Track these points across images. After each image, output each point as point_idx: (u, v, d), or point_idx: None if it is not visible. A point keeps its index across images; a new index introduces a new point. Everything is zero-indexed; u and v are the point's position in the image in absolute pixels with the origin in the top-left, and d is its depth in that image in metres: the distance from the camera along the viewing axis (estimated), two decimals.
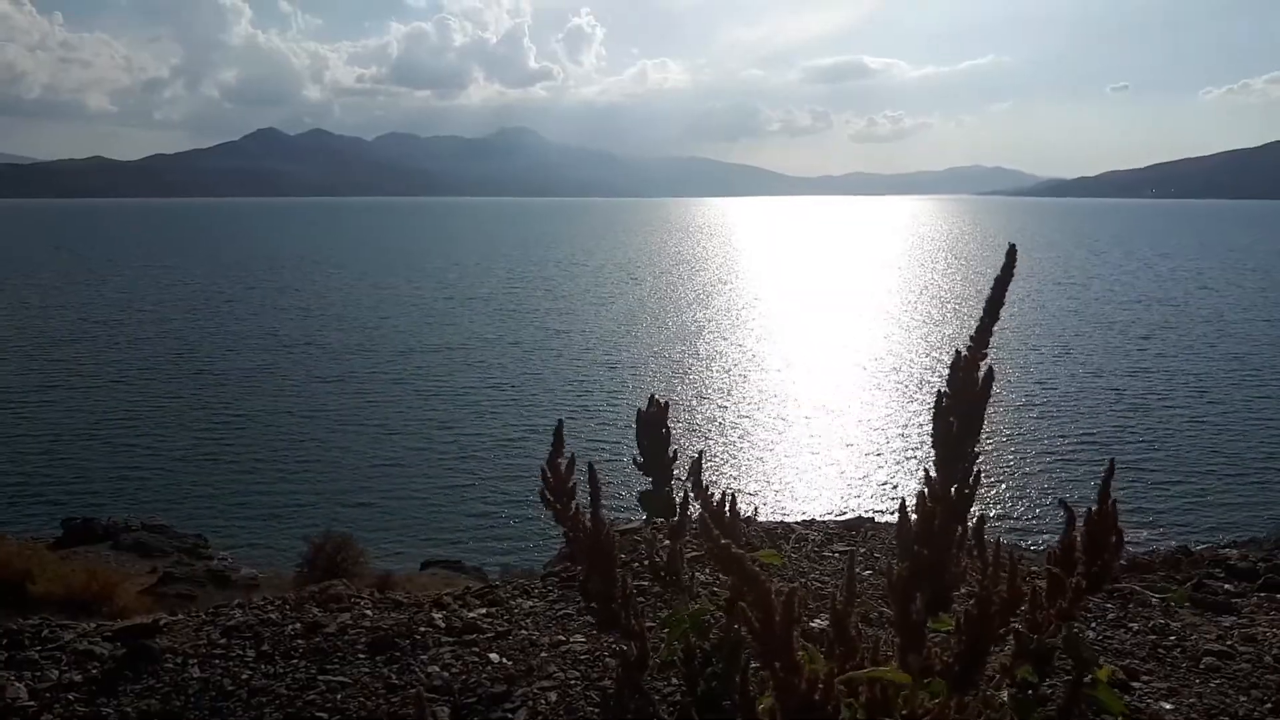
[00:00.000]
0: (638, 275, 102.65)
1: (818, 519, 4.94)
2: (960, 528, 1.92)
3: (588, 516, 2.30)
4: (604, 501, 2.45)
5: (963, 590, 2.00)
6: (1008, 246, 1.84)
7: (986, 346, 1.89)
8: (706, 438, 36.99)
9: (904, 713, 1.96)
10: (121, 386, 44.25)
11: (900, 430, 37.05)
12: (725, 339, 58.46)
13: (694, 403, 42.12)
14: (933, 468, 1.92)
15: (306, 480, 32.91)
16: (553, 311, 70.09)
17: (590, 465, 2.32)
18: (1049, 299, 76.12)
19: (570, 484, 2.34)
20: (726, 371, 48.58)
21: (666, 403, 3.08)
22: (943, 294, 79.71)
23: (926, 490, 1.92)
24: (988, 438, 35.88)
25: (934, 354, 51.51)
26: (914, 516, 1.95)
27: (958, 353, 1.90)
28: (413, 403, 41.52)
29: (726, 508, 2.49)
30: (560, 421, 2.41)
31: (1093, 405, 40.18)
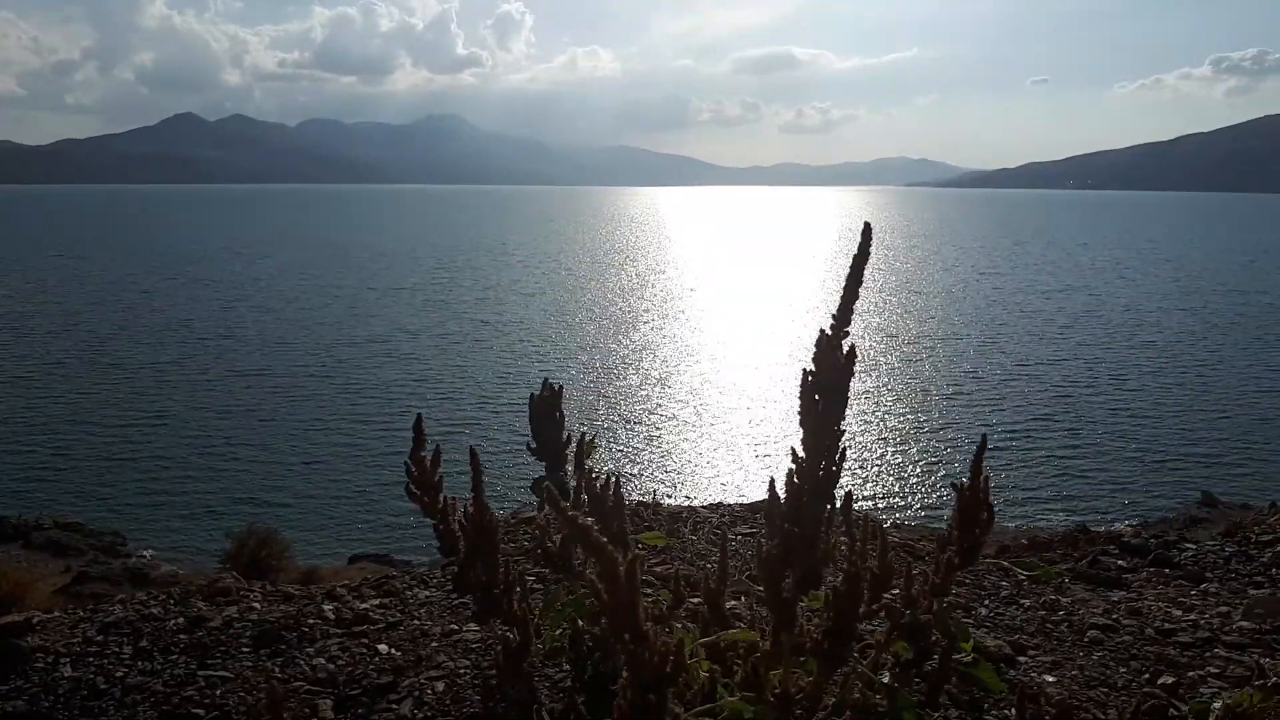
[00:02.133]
0: (568, 265, 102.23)
1: (725, 503, 4.96)
2: (828, 505, 1.92)
3: (469, 503, 2.26)
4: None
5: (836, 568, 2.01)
6: (863, 226, 1.85)
7: (849, 324, 1.90)
8: (635, 427, 37.04)
9: (776, 690, 1.97)
10: (29, 382, 42.60)
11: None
12: (656, 330, 58.55)
13: (623, 393, 42.11)
14: (799, 446, 1.92)
15: (228, 477, 32.10)
16: (481, 302, 69.39)
17: (472, 449, 2.27)
18: (973, 289, 77.85)
19: (436, 477, 2.30)
20: (660, 362, 48.66)
21: (560, 387, 3.05)
22: (869, 285, 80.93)
23: (794, 468, 1.92)
24: (914, 428, 36.58)
25: (859, 345, 52.29)
26: (783, 495, 1.94)
27: (822, 331, 1.90)
28: (337, 397, 40.73)
29: (610, 490, 2.47)
30: (419, 415, 2.37)
31: (1016, 393, 41.15)
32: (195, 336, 53.18)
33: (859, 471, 32.20)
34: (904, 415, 37.90)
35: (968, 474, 2.11)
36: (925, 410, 38.50)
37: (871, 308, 65.43)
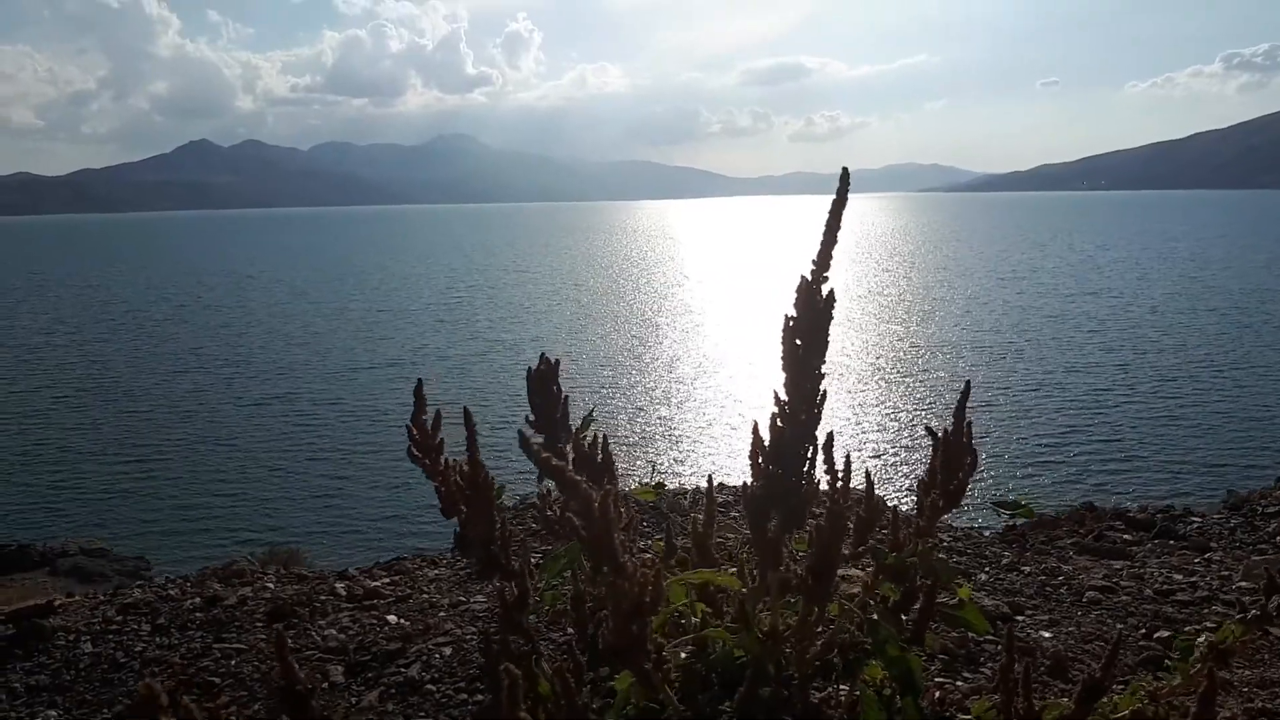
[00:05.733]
0: (582, 281, 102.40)
1: (728, 484, 5.03)
2: (810, 446, 1.99)
3: (465, 462, 2.33)
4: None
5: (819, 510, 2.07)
6: (841, 170, 1.92)
7: (827, 269, 1.97)
8: (657, 441, 37.04)
9: (764, 629, 2.03)
10: (46, 412, 42.93)
11: (844, 421, 37.42)
12: (676, 344, 58.47)
13: (646, 408, 42.10)
14: (782, 390, 1.99)
15: (249, 502, 32.22)
16: (495, 322, 69.55)
17: (465, 410, 2.34)
18: (994, 294, 77.39)
19: (437, 439, 2.37)
20: (679, 375, 48.62)
21: (557, 360, 3.13)
22: (886, 291, 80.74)
23: (777, 410, 1.99)
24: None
25: (880, 353, 52.11)
26: (766, 437, 2.01)
27: (802, 277, 1.97)
28: (352, 421, 40.77)
29: (598, 450, 2.55)
30: (420, 380, 2.44)
31: (1042, 401, 40.58)
32: (208, 363, 53.49)
33: (884, 485, 31.99)
34: (928, 425, 37.60)
35: (952, 420, 2.17)
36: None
37: (891, 316, 65.31)
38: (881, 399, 41.50)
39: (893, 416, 38.99)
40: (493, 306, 78.13)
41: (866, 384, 44.09)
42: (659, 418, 40.10)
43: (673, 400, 44.29)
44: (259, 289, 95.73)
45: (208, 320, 71.31)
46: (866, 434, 36.63)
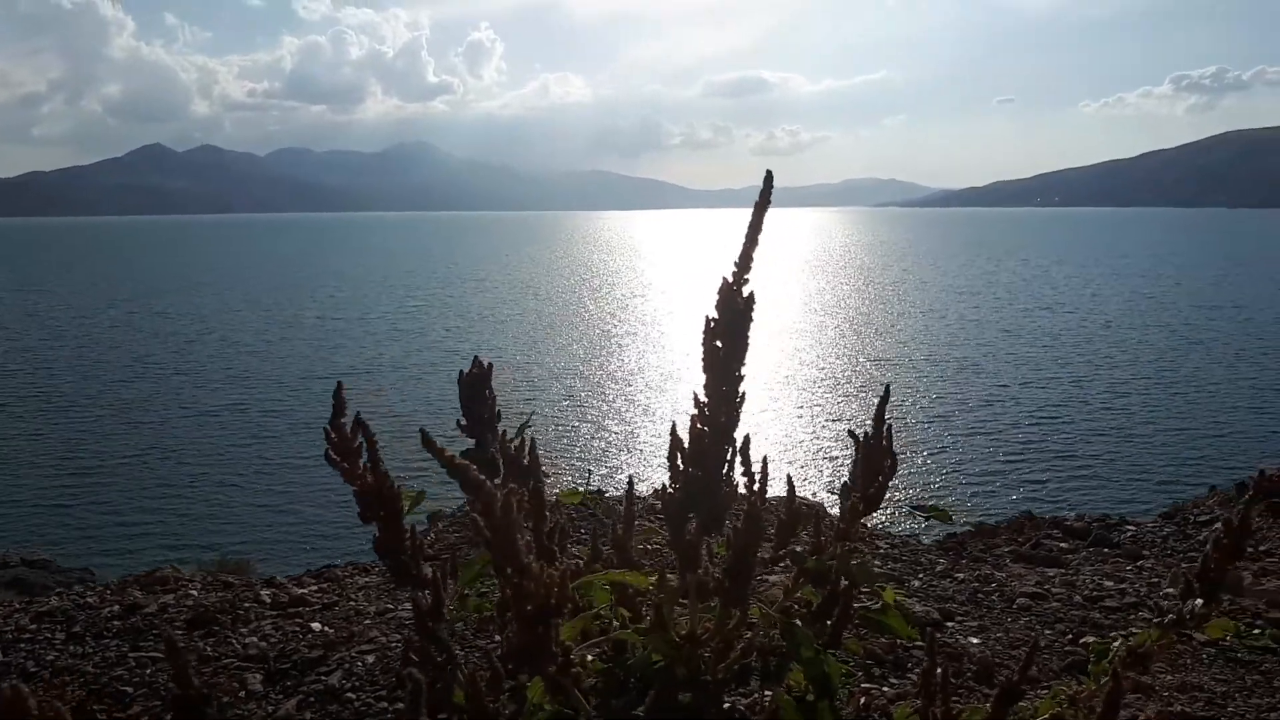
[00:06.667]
0: (542, 291, 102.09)
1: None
2: (729, 448, 1.98)
3: (368, 472, 2.28)
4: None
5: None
6: (765, 173, 1.92)
7: (749, 271, 1.96)
8: (615, 453, 36.94)
9: (682, 633, 2.01)
10: None
11: (799, 433, 37.63)
12: (635, 355, 58.40)
13: (603, 419, 42.00)
14: (702, 391, 1.98)
15: (198, 512, 31.59)
16: (453, 331, 69.04)
17: (361, 418, 2.29)
18: (951, 308, 78.29)
19: (355, 444, 2.32)
20: (638, 386, 48.58)
21: (490, 364, 3.10)
22: (843, 304, 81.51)
23: (696, 413, 1.97)
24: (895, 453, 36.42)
25: (836, 367, 52.49)
26: (685, 439, 2.00)
27: (724, 279, 1.96)
28: (303, 432, 40.22)
29: (525, 452, 2.51)
30: (339, 383, 2.39)
31: (996, 414, 41.02)
32: (157, 372, 52.45)
33: (835, 496, 32.06)
34: (850, 430, 37.72)
35: (872, 423, 2.18)
36: (904, 434, 38.48)
37: (847, 329, 65.88)
38: (838, 412, 41.74)
39: (850, 429, 39.17)
40: (450, 316, 77.57)
41: (821, 397, 44.37)
42: (615, 427, 40.01)
43: (631, 409, 44.25)
44: (211, 296, 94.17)
45: (158, 327, 69.98)
46: (823, 446, 36.85)
